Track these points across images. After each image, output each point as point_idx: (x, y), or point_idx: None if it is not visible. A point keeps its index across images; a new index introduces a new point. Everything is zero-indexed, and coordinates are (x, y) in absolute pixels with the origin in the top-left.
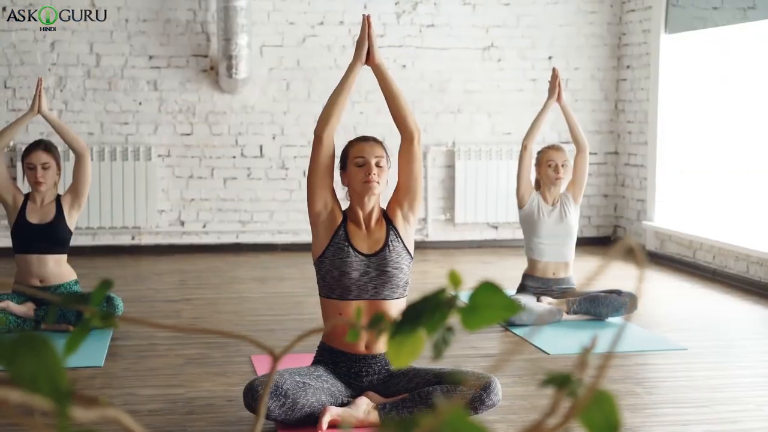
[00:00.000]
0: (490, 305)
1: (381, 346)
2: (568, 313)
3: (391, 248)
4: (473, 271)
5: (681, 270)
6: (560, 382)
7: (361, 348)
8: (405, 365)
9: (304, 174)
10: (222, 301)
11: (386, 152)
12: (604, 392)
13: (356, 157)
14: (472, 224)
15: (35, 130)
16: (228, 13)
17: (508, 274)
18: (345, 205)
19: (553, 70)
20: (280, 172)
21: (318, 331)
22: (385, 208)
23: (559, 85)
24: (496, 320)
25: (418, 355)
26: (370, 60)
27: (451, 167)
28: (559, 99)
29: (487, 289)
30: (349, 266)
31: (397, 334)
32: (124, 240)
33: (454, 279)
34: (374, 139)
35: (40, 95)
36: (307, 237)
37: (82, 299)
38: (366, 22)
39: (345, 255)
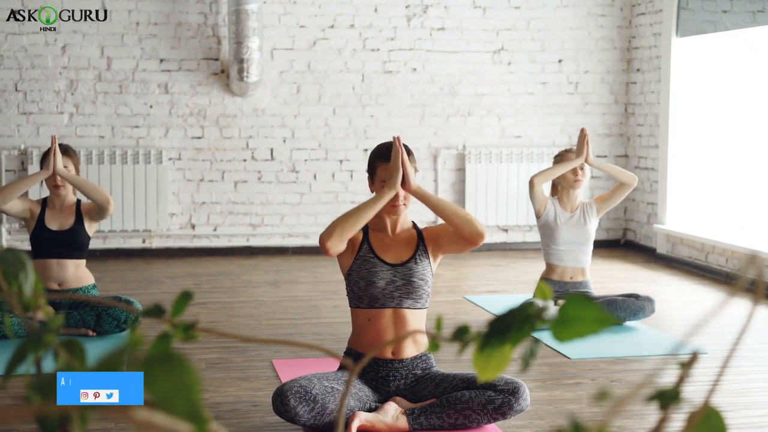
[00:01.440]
0: (582, 318)
1: (408, 351)
2: None
3: (418, 261)
4: (484, 275)
5: (693, 273)
6: (669, 397)
7: (388, 353)
8: (492, 378)
9: (315, 177)
10: (237, 305)
11: (415, 167)
12: (713, 409)
13: (383, 180)
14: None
15: (47, 133)
16: (239, 16)
17: (520, 277)
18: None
19: (581, 131)
20: (291, 175)
21: (392, 343)
22: (419, 227)
23: (587, 144)
24: (588, 333)
25: (506, 367)
26: (405, 186)
27: (461, 170)
28: (587, 159)
29: (579, 302)
30: (376, 275)
31: (485, 346)
32: (135, 243)
33: (543, 291)
34: None
35: (54, 153)
36: (317, 240)
37: (159, 311)
38: (397, 144)
39: (371, 265)
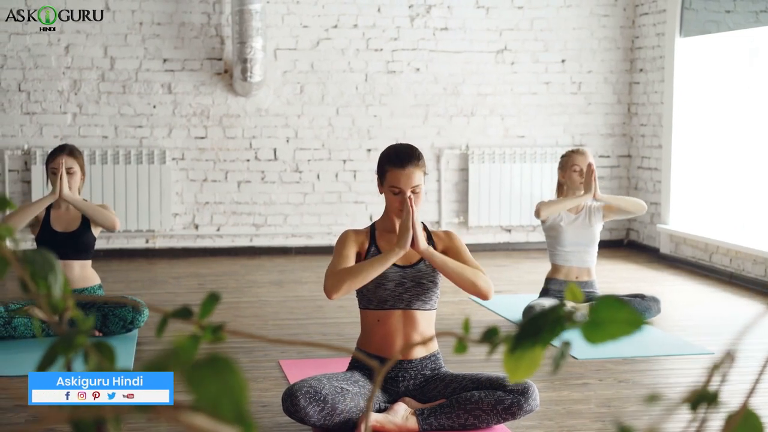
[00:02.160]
0: (614, 320)
1: (417, 352)
2: None
3: (428, 263)
4: (488, 275)
5: (696, 273)
6: (708, 400)
7: (398, 354)
8: (522, 380)
9: (318, 177)
10: (243, 306)
11: (424, 171)
12: (751, 411)
13: (392, 186)
14: (486, 227)
15: (50, 133)
16: (243, 16)
17: (524, 278)
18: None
19: (589, 166)
20: (294, 175)
21: (422, 343)
22: (429, 229)
23: (595, 181)
24: (621, 335)
25: (536, 370)
26: (414, 246)
27: (464, 170)
28: (595, 195)
29: (610, 304)
30: (385, 278)
31: (516, 348)
32: (139, 243)
33: (574, 293)
34: (412, 162)
35: (61, 178)
36: (320, 240)
37: (187, 313)
38: (409, 205)
39: None
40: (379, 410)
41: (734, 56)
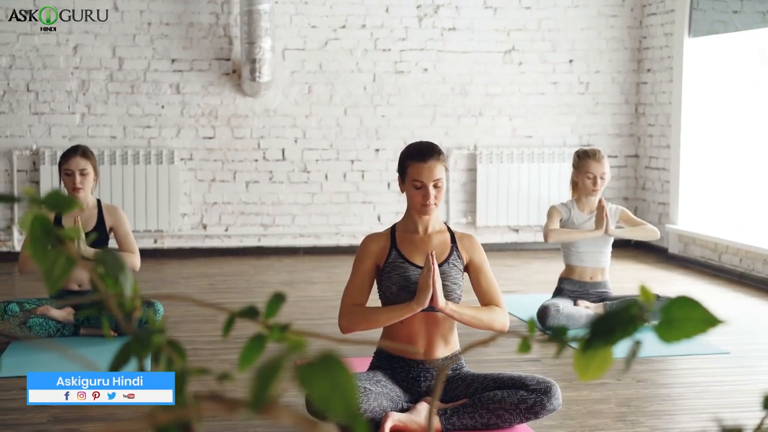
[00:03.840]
0: (688, 319)
1: (439, 351)
2: None
3: (452, 265)
4: (498, 275)
5: (706, 273)
6: None
7: (419, 354)
8: (594, 379)
9: (326, 177)
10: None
11: (445, 167)
12: None
13: (414, 180)
14: (494, 227)
15: (58, 133)
16: (252, 16)
17: (534, 277)
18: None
19: (599, 201)
20: (302, 175)
21: (481, 344)
22: (453, 230)
23: (606, 217)
24: (695, 334)
25: (607, 369)
26: (434, 303)
27: (472, 170)
28: (607, 230)
29: (684, 303)
30: (408, 280)
31: (588, 348)
32: (147, 243)
33: (646, 294)
34: (434, 156)
35: (79, 240)
36: (328, 240)
37: (253, 312)
38: (429, 261)
39: (403, 270)
40: (402, 410)
41: (742, 57)
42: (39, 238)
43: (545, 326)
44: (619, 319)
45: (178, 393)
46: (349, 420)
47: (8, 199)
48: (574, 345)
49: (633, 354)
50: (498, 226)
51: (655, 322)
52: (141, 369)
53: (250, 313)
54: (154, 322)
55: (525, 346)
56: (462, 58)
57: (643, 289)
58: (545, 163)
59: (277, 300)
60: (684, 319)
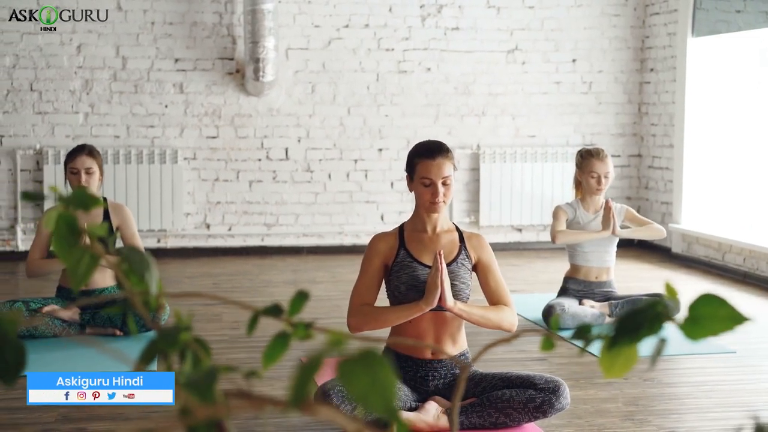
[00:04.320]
0: (715, 316)
1: (447, 351)
2: (610, 316)
3: (460, 264)
4: (502, 275)
5: (710, 272)
6: None
7: (427, 353)
8: (619, 377)
9: (329, 177)
10: (259, 305)
11: (454, 164)
12: None
13: (423, 177)
14: (497, 227)
15: (62, 133)
16: (255, 16)
17: (538, 277)
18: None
19: (606, 202)
20: (306, 174)
21: (507, 340)
22: (461, 229)
23: (613, 217)
24: (722, 331)
25: (632, 367)
26: (442, 303)
27: (475, 170)
28: (614, 231)
29: (710, 300)
30: (417, 279)
31: (614, 346)
32: (150, 243)
33: (671, 291)
34: (442, 154)
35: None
36: (332, 240)
37: (278, 310)
38: (438, 262)
39: (411, 270)
40: (410, 409)
41: (745, 56)
42: (64, 236)
43: (549, 326)
44: (644, 317)
45: (209, 390)
46: (387, 416)
47: (36, 197)
48: (577, 344)
49: (658, 351)
50: (501, 226)
51: (682, 320)
52: (169, 368)
53: (275, 311)
54: (181, 320)
55: (548, 344)
56: (465, 58)
57: (669, 287)
58: (548, 162)
59: (301, 298)
60: (710, 317)
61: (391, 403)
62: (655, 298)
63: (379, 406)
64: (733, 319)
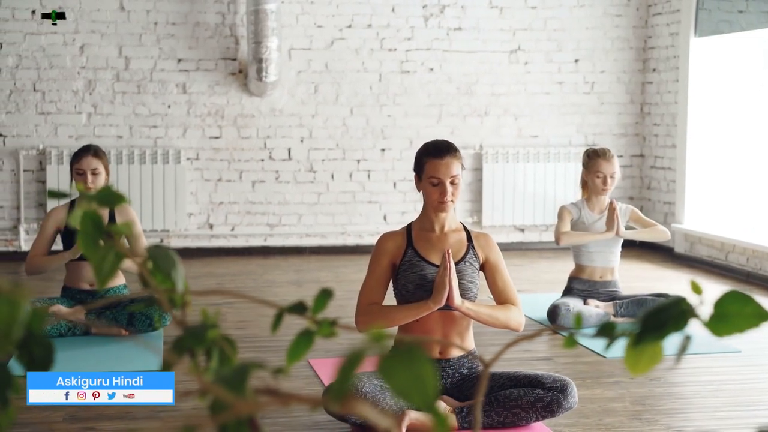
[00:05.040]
0: (741, 314)
1: (455, 350)
2: (615, 315)
3: (468, 264)
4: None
5: (712, 272)
6: None
7: (435, 353)
8: (643, 374)
9: (332, 177)
10: (264, 305)
11: (462, 164)
12: None
13: (431, 177)
14: (499, 227)
15: (65, 133)
16: (258, 16)
17: (542, 277)
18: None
19: (611, 203)
20: (308, 175)
21: (526, 338)
22: (469, 229)
23: (617, 218)
24: (748, 328)
25: (657, 364)
26: (450, 302)
27: (478, 170)
28: (618, 232)
29: (737, 297)
30: (425, 278)
31: (639, 343)
32: (153, 243)
33: (696, 288)
34: (450, 153)
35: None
36: (334, 240)
37: (302, 308)
38: (446, 260)
39: (419, 269)
40: (418, 408)
41: (748, 56)
42: (90, 234)
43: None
44: (670, 314)
45: (242, 386)
46: (427, 411)
47: (58, 194)
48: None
49: (683, 348)
50: (504, 226)
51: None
52: (195, 367)
53: (299, 308)
54: (208, 317)
55: (570, 342)
56: (468, 58)
57: (694, 284)
58: (551, 162)
59: (325, 296)
60: (736, 314)
61: (431, 399)
62: (675, 297)
63: (419, 402)
64: (758, 316)
